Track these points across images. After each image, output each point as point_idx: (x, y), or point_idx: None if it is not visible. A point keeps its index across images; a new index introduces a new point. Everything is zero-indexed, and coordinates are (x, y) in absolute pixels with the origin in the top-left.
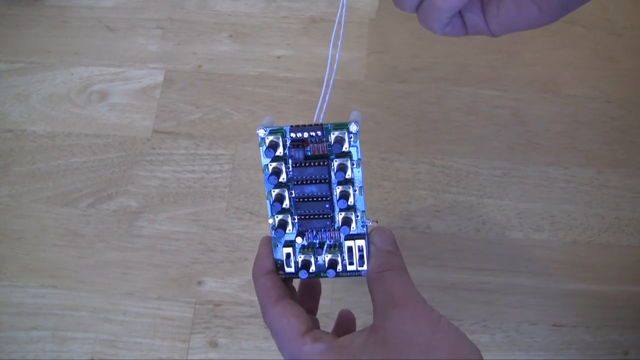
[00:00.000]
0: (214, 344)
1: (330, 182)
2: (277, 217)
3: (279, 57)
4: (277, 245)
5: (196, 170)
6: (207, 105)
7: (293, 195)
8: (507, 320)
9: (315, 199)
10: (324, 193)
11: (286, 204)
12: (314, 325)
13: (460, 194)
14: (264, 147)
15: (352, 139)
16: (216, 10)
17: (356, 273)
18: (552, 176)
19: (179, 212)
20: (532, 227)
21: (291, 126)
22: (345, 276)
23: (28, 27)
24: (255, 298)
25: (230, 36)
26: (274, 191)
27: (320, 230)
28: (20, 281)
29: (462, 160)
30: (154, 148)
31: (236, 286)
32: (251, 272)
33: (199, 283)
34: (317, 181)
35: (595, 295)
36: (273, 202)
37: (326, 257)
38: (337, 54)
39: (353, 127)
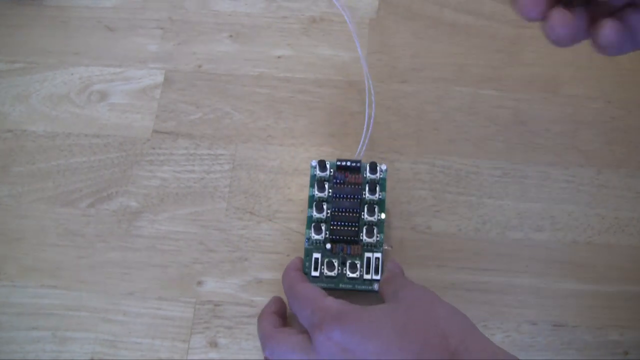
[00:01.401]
0: (214, 344)
1: (361, 201)
2: (313, 225)
3: (279, 57)
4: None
5: (196, 170)
6: (207, 105)
7: (329, 210)
8: (507, 320)
9: (347, 212)
10: (356, 208)
11: (323, 215)
12: None
13: (460, 194)
14: (315, 181)
15: (381, 183)
16: (216, 10)
17: (369, 286)
18: (552, 176)
19: (179, 212)
20: (532, 227)
21: (338, 159)
22: (358, 289)
23: (28, 27)
24: (255, 298)
25: (230, 36)
26: (315, 214)
27: (346, 247)
28: (20, 281)
29: (462, 160)
30: (154, 148)
31: (236, 286)
32: (251, 272)
33: (199, 283)
34: (352, 198)
35: (595, 295)
36: (314, 219)
37: (347, 270)
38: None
39: (384, 173)
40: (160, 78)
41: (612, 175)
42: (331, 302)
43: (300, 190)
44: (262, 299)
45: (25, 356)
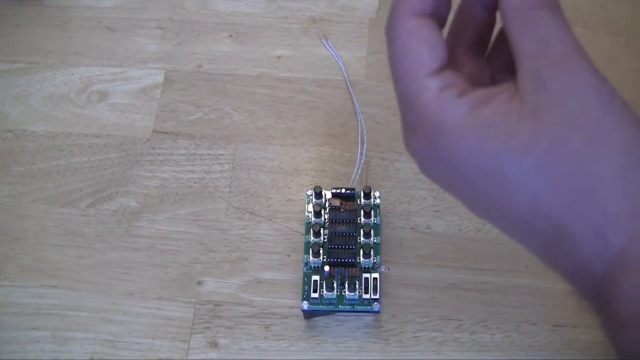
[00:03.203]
0: (214, 344)
1: (356, 223)
2: (312, 247)
3: (279, 57)
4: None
5: (196, 170)
6: (207, 105)
7: (327, 233)
8: (507, 320)
9: (344, 236)
10: (352, 232)
11: (320, 239)
12: (446, 60)
13: None
14: (312, 210)
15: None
16: (216, 10)
17: (368, 307)
18: None
19: (179, 212)
20: None
21: (332, 188)
22: (358, 311)
23: (28, 27)
24: (255, 298)
25: (230, 36)
26: (312, 241)
27: (345, 268)
28: (20, 281)
29: None
30: (154, 148)
31: (236, 286)
32: (251, 272)
33: (199, 283)
34: (347, 222)
35: None
36: (312, 244)
37: (346, 290)
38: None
39: (377, 200)
40: (160, 78)
41: None
42: (429, 99)
43: (300, 190)
44: (262, 299)
45: (25, 356)
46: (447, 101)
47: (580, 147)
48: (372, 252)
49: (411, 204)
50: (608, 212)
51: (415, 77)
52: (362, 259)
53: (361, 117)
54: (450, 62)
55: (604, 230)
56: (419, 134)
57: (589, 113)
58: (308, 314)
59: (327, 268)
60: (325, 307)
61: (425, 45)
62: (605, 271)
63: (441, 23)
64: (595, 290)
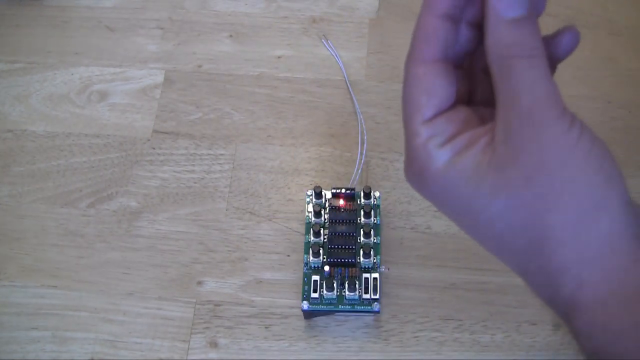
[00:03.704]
0: (214, 344)
1: (356, 224)
2: (312, 248)
3: (279, 57)
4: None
5: (196, 170)
6: (207, 105)
7: (327, 233)
8: (507, 320)
9: (344, 236)
10: (352, 232)
11: (320, 239)
12: (451, 100)
13: None
14: (312, 210)
15: (375, 209)
16: (216, 10)
17: (368, 307)
18: None
19: (179, 212)
20: None
21: (332, 188)
22: (358, 311)
23: (28, 27)
24: (256, 298)
25: (230, 36)
26: (312, 240)
27: (345, 268)
28: (20, 281)
29: None
30: (154, 148)
31: (236, 286)
32: (251, 272)
33: (199, 283)
34: (347, 222)
35: None
36: (312, 244)
37: (346, 290)
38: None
39: (378, 199)
40: (160, 78)
41: None
42: (418, 143)
43: (300, 190)
44: (262, 299)
45: (25, 356)
46: (431, 149)
47: (533, 200)
48: (372, 252)
49: (411, 204)
50: (558, 261)
51: (412, 121)
52: (362, 259)
53: (361, 117)
54: (465, 85)
55: (554, 277)
56: (412, 168)
57: (547, 168)
58: (308, 314)
59: (327, 268)
60: (325, 307)
61: (424, 94)
62: (562, 310)
63: (456, 62)
64: (564, 321)
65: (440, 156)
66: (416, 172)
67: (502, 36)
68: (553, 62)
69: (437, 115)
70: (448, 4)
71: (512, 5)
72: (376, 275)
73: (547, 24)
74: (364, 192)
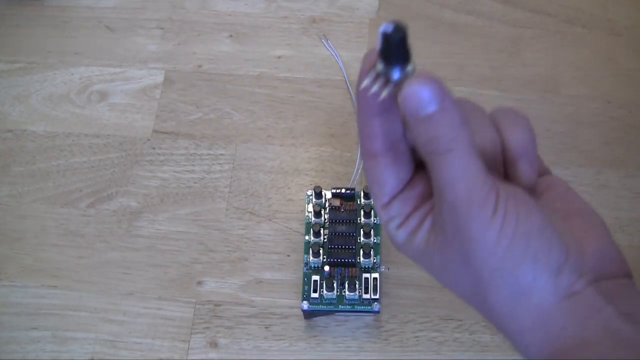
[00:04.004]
0: (214, 344)
1: (356, 223)
2: (312, 248)
3: (279, 57)
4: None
5: (196, 170)
6: (207, 105)
7: (327, 233)
8: None
9: (344, 236)
10: (352, 232)
11: (320, 239)
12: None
13: None
14: (312, 210)
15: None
16: (216, 10)
17: (368, 307)
18: None
19: (179, 212)
20: None
21: (332, 188)
22: (358, 311)
23: (28, 27)
24: (255, 298)
25: (230, 36)
26: (312, 240)
27: (345, 268)
28: (20, 281)
29: None
30: (154, 148)
31: (236, 286)
32: (251, 272)
33: (199, 283)
34: (347, 222)
35: None
36: (312, 243)
37: (346, 290)
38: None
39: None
40: (160, 78)
41: (612, 175)
42: (388, 228)
43: (300, 190)
44: (262, 299)
45: (25, 356)
46: (392, 230)
47: (473, 279)
48: (372, 252)
49: None
50: (503, 329)
51: (375, 205)
52: (362, 259)
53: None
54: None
55: (506, 337)
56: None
57: (475, 257)
58: (308, 314)
59: (327, 268)
60: (325, 307)
61: (376, 184)
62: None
63: (405, 143)
64: None
65: (399, 235)
66: (390, 240)
67: (418, 134)
68: (510, 154)
69: (392, 199)
70: (379, 107)
71: (421, 105)
72: (376, 275)
73: (547, 24)
74: (364, 192)
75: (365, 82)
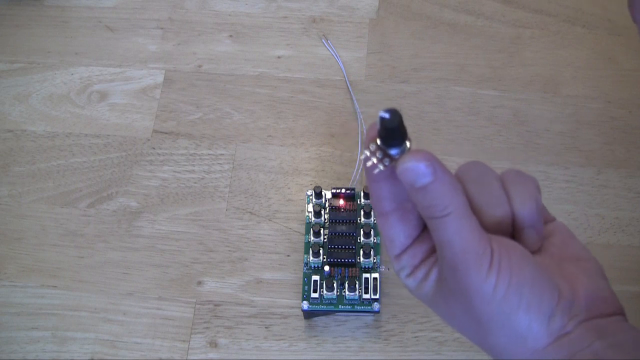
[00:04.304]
0: (214, 344)
1: (356, 224)
2: (312, 249)
3: (279, 57)
4: (306, 280)
5: (196, 170)
6: (207, 105)
7: (327, 233)
8: None
9: (344, 236)
10: (352, 232)
11: (320, 239)
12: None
13: None
14: (312, 210)
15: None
16: (216, 10)
17: (368, 307)
18: (552, 176)
19: (179, 212)
20: None
21: (332, 188)
22: (358, 311)
23: (28, 27)
24: (256, 298)
25: (230, 36)
26: (312, 240)
27: (345, 268)
28: (20, 281)
29: (462, 160)
30: (154, 148)
31: (236, 286)
32: (251, 272)
33: (199, 283)
34: (347, 222)
35: None
36: (312, 243)
37: (346, 290)
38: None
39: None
40: (160, 78)
41: (612, 175)
42: (402, 277)
43: (300, 190)
44: (262, 299)
45: (25, 356)
46: (403, 278)
47: (474, 326)
48: (372, 252)
49: None
50: None
51: (389, 255)
52: (362, 259)
53: (361, 117)
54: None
55: None
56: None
57: (474, 307)
58: (308, 314)
59: (327, 268)
60: (325, 307)
61: (388, 239)
62: None
63: (409, 210)
64: None
65: (410, 283)
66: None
67: (417, 201)
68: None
69: (402, 252)
70: (382, 175)
71: (416, 177)
72: (376, 275)
73: (547, 24)
74: (364, 192)
75: (366, 154)
